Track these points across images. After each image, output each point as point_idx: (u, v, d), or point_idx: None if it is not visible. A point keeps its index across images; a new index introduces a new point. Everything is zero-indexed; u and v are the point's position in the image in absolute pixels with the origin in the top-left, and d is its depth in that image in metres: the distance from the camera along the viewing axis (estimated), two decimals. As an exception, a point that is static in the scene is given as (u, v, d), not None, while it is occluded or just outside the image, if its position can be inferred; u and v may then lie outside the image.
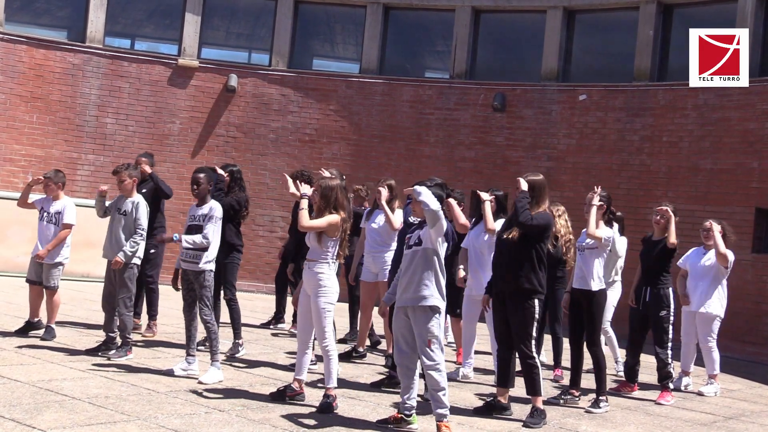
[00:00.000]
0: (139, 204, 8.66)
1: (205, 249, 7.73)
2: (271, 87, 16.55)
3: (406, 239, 6.69)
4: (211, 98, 16.41)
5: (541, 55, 15.75)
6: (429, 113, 16.23)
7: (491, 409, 7.28)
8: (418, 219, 6.74)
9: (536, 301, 7.18)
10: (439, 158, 15.98)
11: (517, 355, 7.36)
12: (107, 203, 8.71)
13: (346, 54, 17.70)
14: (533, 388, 7.18)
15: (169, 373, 7.79)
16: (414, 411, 6.58)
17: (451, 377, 7.93)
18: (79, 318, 10.70)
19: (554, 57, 15.62)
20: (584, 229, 8.34)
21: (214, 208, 7.86)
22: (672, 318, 8.75)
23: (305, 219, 6.92)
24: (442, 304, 6.49)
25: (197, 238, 7.68)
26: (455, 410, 7.20)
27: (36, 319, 9.27)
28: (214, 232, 7.79)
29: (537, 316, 7.20)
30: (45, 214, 9.27)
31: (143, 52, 16.57)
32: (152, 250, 9.90)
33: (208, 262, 7.76)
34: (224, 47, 17.70)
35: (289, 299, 11.52)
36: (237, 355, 8.95)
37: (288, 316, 11.62)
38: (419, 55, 17.58)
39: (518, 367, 7.54)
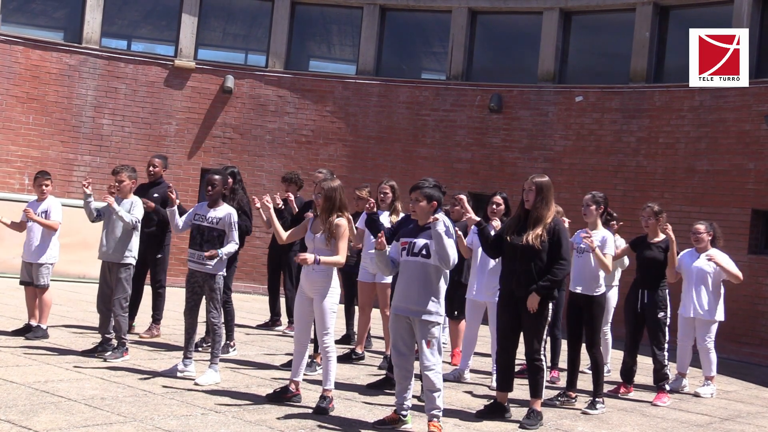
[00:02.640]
0: (135, 204, 8.67)
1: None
2: (267, 88, 16.55)
3: (405, 242, 6.62)
4: (207, 99, 16.41)
5: (538, 57, 15.77)
6: (425, 114, 16.24)
7: (494, 410, 7.27)
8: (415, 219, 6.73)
9: (550, 305, 7.22)
10: (435, 159, 15.99)
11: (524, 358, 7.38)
12: (94, 205, 8.67)
13: (342, 55, 17.71)
14: (536, 389, 7.19)
15: (166, 374, 7.79)
16: (409, 411, 6.60)
17: (446, 378, 7.94)
18: (75, 319, 10.69)
19: (551, 58, 15.64)
20: (579, 231, 8.35)
21: (231, 213, 7.89)
22: (668, 320, 8.78)
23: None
24: (443, 314, 6.61)
25: (230, 248, 7.78)
26: (452, 412, 7.21)
27: (35, 323, 9.25)
28: (236, 237, 7.88)
29: (549, 319, 7.25)
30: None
31: (140, 53, 16.56)
32: (159, 255, 9.90)
33: (220, 266, 7.80)
34: (221, 48, 17.70)
35: (283, 300, 11.55)
36: (227, 356, 8.94)
37: (283, 317, 11.62)
38: (416, 57, 17.60)
39: (516, 369, 7.57)
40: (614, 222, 9.73)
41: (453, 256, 6.40)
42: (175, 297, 11.82)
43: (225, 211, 7.88)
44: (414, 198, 6.63)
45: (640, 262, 8.85)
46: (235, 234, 7.88)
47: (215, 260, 7.69)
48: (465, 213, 7.75)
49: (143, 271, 9.91)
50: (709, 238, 9.39)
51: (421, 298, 6.46)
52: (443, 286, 6.55)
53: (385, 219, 9.29)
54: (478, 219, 7.45)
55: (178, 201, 7.99)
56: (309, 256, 6.80)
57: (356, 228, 9.60)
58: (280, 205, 10.15)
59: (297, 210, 9.95)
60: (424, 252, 6.48)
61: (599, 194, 8.35)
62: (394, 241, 6.81)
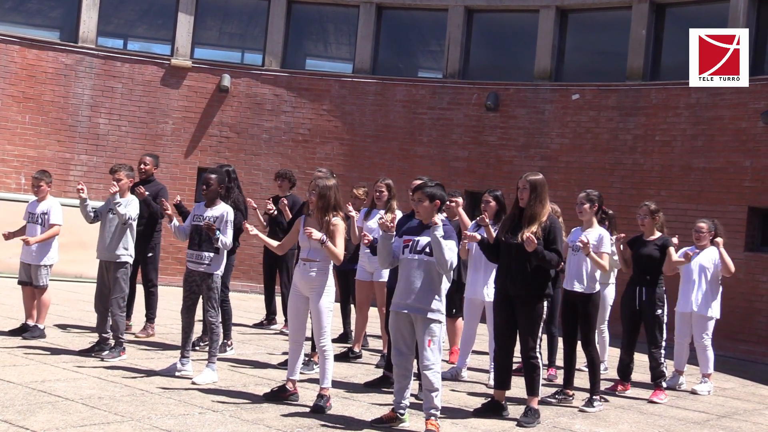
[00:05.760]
0: (131, 203, 8.66)
1: (216, 251, 7.81)
2: (264, 87, 16.54)
3: (408, 240, 6.59)
4: (204, 98, 16.39)
5: (534, 55, 15.78)
6: (422, 113, 16.24)
7: (491, 409, 7.28)
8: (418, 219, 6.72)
9: (545, 303, 7.22)
10: (432, 158, 15.99)
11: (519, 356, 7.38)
12: (91, 206, 8.66)
13: (339, 54, 17.70)
14: (532, 387, 7.20)
15: (163, 373, 7.79)
16: (407, 410, 6.60)
17: (444, 376, 7.93)
18: (72, 319, 10.68)
19: (547, 56, 15.64)
20: (575, 228, 8.36)
21: (227, 212, 7.88)
22: (666, 318, 8.79)
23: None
24: (444, 312, 6.59)
25: (227, 238, 7.76)
26: (449, 410, 7.22)
27: (32, 323, 9.24)
28: (231, 236, 7.90)
29: (544, 316, 7.25)
30: (31, 215, 9.28)
31: (136, 53, 16.54)
32: (150, 254, 9.87)
33: (218, 265, 7.80)
34: (217, 47, 17.68)
35: (279, 299, 11.53)
36: (225, 355, 8.93)
37: (280, 316, 11.62)
38: (412, 55, 17.59)
39: (514, 367, 7.57)
40: (615, 234, 9.63)
41: (451, 260, 6.38)
42: (172, 296, 11.82)
43: (221, 209, 7.88)
44: (417, 198, 6.60)
45: (637, 261, 8.87)
46: (230, 232, 7.88)
47: (216, 235, 7.66)
48: (460, 221, 7.82)
49: (134, 270, 9.91)
50: (710, 236, 9.46)
51: (424, 295, 6.45)
52: (445, 285, 6.56)
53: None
54: (478, 238, 7.49)
55: (169, 209, 8.05)
56: (316, 233, 6.79)
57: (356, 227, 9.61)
58: (272, 212, 10.18)
59: (290, 216, 9.95)
60: (427, 250, 6.47)
61: (593, 192, 8.34)
62: (396, 236, 6.80)
